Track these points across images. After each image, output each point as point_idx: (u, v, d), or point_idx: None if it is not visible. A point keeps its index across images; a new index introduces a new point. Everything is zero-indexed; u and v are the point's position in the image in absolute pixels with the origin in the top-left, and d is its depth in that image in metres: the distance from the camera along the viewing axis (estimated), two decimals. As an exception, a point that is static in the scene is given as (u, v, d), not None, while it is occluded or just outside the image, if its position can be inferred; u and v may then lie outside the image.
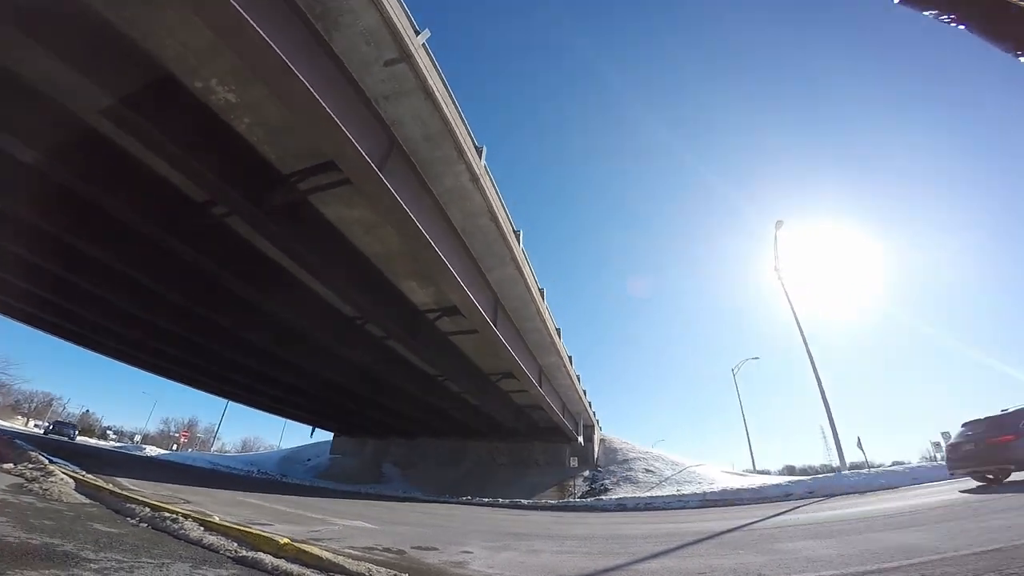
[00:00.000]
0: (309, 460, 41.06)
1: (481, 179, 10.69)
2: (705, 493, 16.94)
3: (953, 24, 1.47)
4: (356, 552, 4.63)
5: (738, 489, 16.50)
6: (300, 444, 50.33)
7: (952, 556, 3.46)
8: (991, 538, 3.94)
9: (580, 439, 30.99)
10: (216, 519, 5.32)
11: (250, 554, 3.97)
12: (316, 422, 39.61)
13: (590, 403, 32.58)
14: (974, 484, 9.26)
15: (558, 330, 21.24)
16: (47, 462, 8.37)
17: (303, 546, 4.08)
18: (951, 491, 8.98)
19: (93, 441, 62.10)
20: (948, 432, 29.34)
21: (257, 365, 22.69)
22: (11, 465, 7.79)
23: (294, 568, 3.67)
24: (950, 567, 3.16)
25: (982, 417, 9.54)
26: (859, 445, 18.01)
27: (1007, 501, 6.42)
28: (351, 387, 23.06)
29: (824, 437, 74.60)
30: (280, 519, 7.37)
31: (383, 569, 3.72)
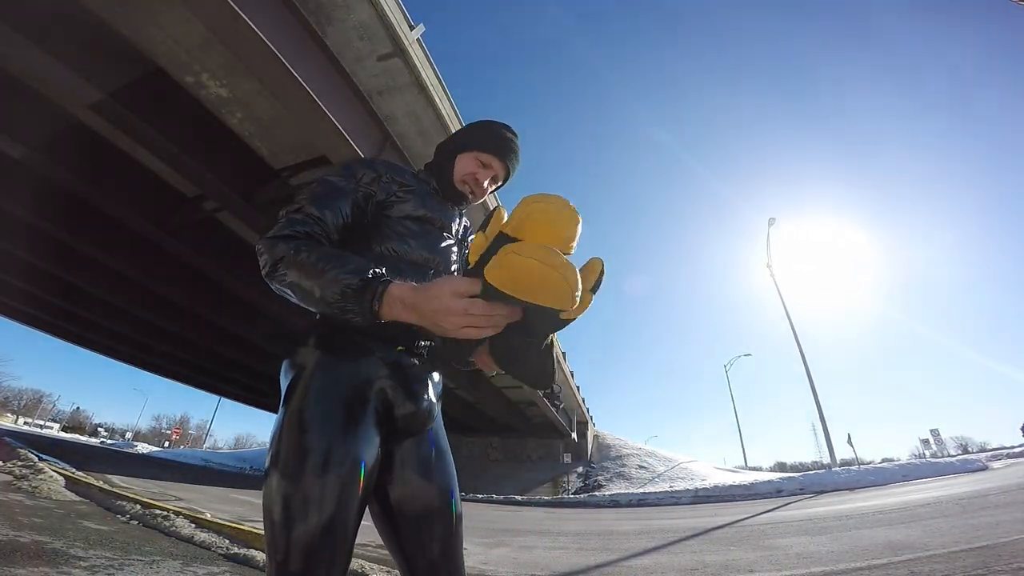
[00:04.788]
0: (302, 457, 40.91)
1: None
2: (697, 489, 17.03)
3: None
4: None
5: (730, 485, 16.60)
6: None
7: (941, 552, 3.49)
8: (978, 535, 3.98)
9: (574, 435, 31.09)
10: (208, 516, 5.30)
11: (242, 551, 3.96)
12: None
13: (583, 399, 32.70)
14: (962, 482, 9.35)
15: (552, 327, 21.23)
16: (37, 459, 8.31)
17: (295, 543, 4.05)
18: (940, 488, 9.08)
19: (83, 438, 61.72)
20: (937, 429, 29.74)
21: (257, 364, 22.58)
22: (0, 463, 7.72)
23: (286, 565, 3.65)
24: (938, 563, 3.19)
25: None
26: (849, 442, 18.18)
27: (994, 499, 6.50)
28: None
29: (815, 434, 75.42)
30: (272, 516, 7.33)
31: (376, 565, 3.72)
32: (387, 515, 1.04)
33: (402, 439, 1.07)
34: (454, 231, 1.32)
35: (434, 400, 1.13)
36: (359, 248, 1.13)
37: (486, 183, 1.32)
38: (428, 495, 1.04)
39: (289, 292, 0.94)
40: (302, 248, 0.94)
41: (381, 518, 1.05)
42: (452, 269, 1.22)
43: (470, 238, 1.42)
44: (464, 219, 1.41)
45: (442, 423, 1.20)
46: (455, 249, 1.30)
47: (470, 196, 1.33)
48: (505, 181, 1.39)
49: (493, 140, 1.32)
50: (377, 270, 0.90)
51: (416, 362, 1.12)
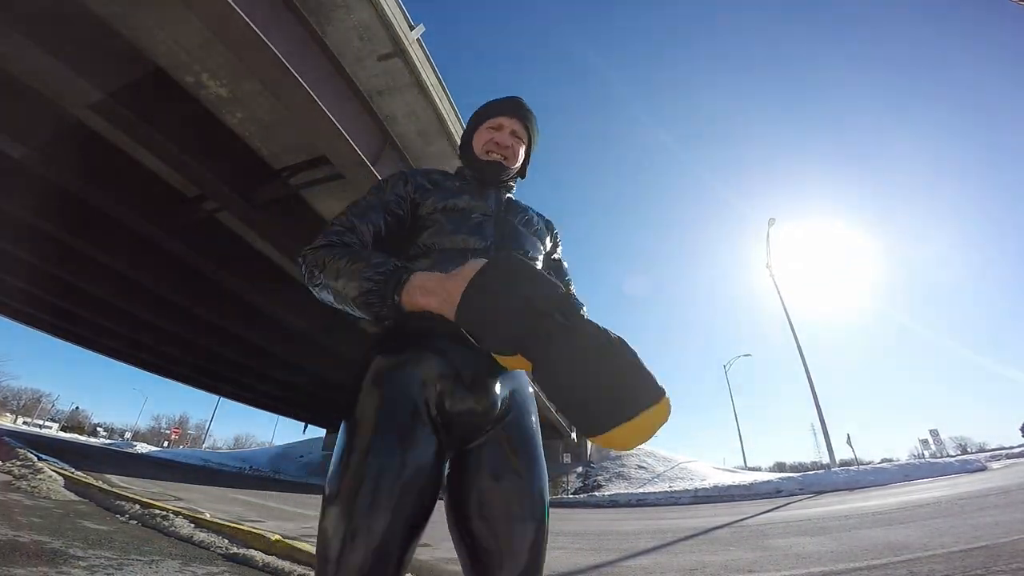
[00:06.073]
0: (302, 457, 40.95)
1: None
2: (696, 490, 17.03)
3: None
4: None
5: (729, 486, 16.61)
6: (293, 441, 50.21)
7: (940, 553, 3.49)
8: (978, 535, 3.98)
9: (573, 435, 31.04)
10: (207, 516, 5.30)
11: (241, 551, 3.96)
12: (309, 419, 39.51)
13: (583, 400, 32.56)
14: (961, 482, 9.35)
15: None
16: (36, 459, 8.30)
17: (295, 543, 4.06)
18: (939, 489, 9.08)
19: (83, 438, 61.67)
20: (936, 429, 29.76)
21: (257, 364, 22.56)
22: (0, 462, 7.71)
23: (285, 565, 3.65)
24: (938, 564, 3.19)
25: None
26: (848, 442, 18.23)
27: (993, 499, 6.50)
28: (346, 382, 23.02)
29: (814, 434, 75.31)
30: (272, 516, 7.34)
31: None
32: (461, 523, 0.98)
33: (473, 438, 1.02)
34: (487, 211, 1.26)
35: (500, 393, 1.05)
36: (402, 247, 1.17)
37: (508, 139, 1.32)
38: (505, 500, 0.96)
39: (328, 296, 0.98)
40: (335, 253, 0.99)
41: (455, 526, 0.99)
42: (487, 244, 1.19)
43: (522, 216, 1.33)
44: (505, 195, 1.35)
45: (530, 417, 1.12)
46: (487, 226, 1.23)
47: (502, 160, 1.31)
48: (530, 137, 1.39)
49: (494, 106, 1.36)
50: (399, 263, 0.93)
51: (477, 352, 1.03)
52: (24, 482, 6.28)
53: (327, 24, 7.38)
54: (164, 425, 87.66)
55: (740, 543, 5.18)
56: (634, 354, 0.83)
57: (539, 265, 1.19)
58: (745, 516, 8.22)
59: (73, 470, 8.55)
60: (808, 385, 18.81)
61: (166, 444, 65.94)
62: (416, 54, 7.97)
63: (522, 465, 1.01)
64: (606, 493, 21.33)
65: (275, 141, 9.27)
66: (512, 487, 0.98)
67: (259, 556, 3.83)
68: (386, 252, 1.06)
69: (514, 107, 1.35)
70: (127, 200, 10.55)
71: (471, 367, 1.03)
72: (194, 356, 24.28)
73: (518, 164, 1.36)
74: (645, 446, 34.50)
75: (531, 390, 1.17)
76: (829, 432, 17.94)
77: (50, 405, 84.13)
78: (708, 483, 19.36)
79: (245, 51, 6.66)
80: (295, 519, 7.30)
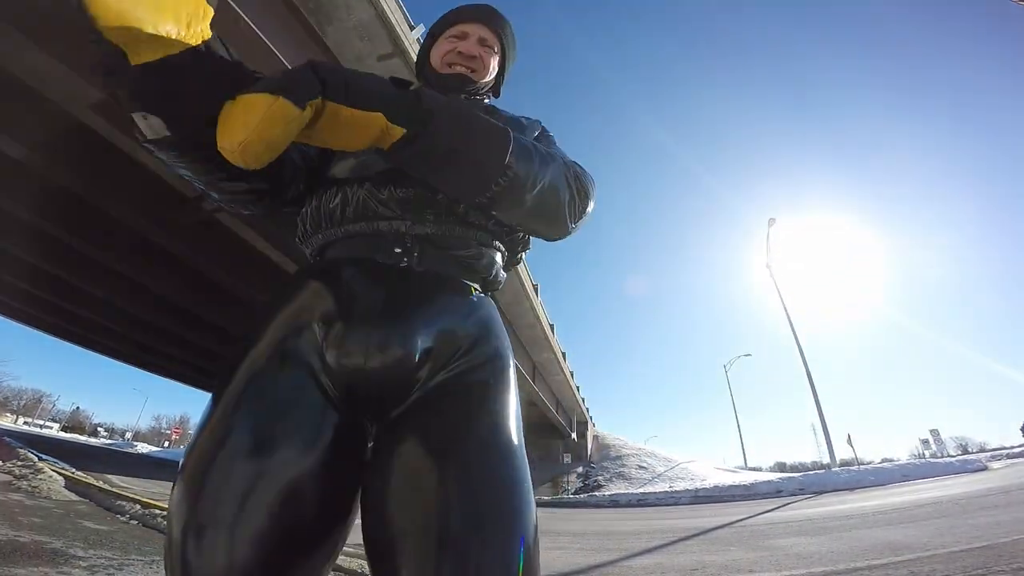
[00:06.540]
0: (302, 457, 40.98)
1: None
2: (697, 490, 17.03)
3: None
4: (349, 548, 4.61)
5: (730, 486, 16.61)
6: (293, 441, 50.12)
7: (941, 552, 3.49)
8: (979, 535, 3.98)
9: (573, 435, 31.09)
10: (207, 516, 5.28)
11: (242, 551, 3.95)
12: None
13: (583, 399, 32.68)
14: (962, 482, 9.35)
15: (552, 326, 21.23)
16: (36, 459, 8.30)
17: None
18: (940, 488, 9.08)
19: (83, 438, 61.72)
20: (936, 429, 29.75)
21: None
22: (0, 462, 7.71)
23: (286, 565, 3.64)
24: (939, 564, 3.18)
25: None
26: (849, 442, 18.19)
27: (994, 499, 6.50)
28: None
29: (815, 434, 75.32)
30: (272, 516, 7.33)
31: (376, 566, 3.71)
32: (367, 544, 0.62)
33: (392, 403, 0.70)
34: None
35: (422, 342, 0.70)
36: None
37: (475, 48, 1.02)
38: (417, 508, 0.59)
39: None
40: None
41: (367, 537, 0.62)
42: None
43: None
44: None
45: (482, 371, 0.75)
46: None
47: (469, 72, 1.02)
48: (504, 48, 1.08)
49: (457, 12, 1.07)
50: None
51: (384, 275, 0.76)
52: (24, 482, 6.27)
53: (327, 24, 7.37)
54: (165, 425, 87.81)
55: (741, 543, 5.18)
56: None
57: None
58: (746, 516, 8.22)
59: (73, 470, 8.55)
60: (809, 385, 18.83)
61: (167, 444, 66.02)
62: (416, 54, 7.98)
63: (451, 448, 0.63)
64: (606, 493, 21.33)
65: (275, 141, 9.26)
66: (426, 483, 0.60)
67: (259, 556, 3.82)
68: None
69: (481, 11, 1.06)
70: (127, 200, 10.54)
71: (367, 298, 0.72)
72: (195, 356, 24.28)
73: (489, 77, 1.06)
74: (646, 446, 34.53)
75: (498, 328, 0.82)
76: (830, 432, 17.98)
77: (51, 405, 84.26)
78: (709, 483, 19.36)
79: (245, 51, 6.65)
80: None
